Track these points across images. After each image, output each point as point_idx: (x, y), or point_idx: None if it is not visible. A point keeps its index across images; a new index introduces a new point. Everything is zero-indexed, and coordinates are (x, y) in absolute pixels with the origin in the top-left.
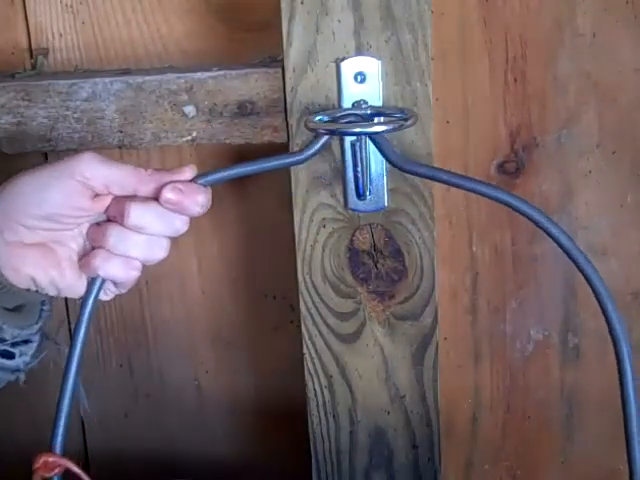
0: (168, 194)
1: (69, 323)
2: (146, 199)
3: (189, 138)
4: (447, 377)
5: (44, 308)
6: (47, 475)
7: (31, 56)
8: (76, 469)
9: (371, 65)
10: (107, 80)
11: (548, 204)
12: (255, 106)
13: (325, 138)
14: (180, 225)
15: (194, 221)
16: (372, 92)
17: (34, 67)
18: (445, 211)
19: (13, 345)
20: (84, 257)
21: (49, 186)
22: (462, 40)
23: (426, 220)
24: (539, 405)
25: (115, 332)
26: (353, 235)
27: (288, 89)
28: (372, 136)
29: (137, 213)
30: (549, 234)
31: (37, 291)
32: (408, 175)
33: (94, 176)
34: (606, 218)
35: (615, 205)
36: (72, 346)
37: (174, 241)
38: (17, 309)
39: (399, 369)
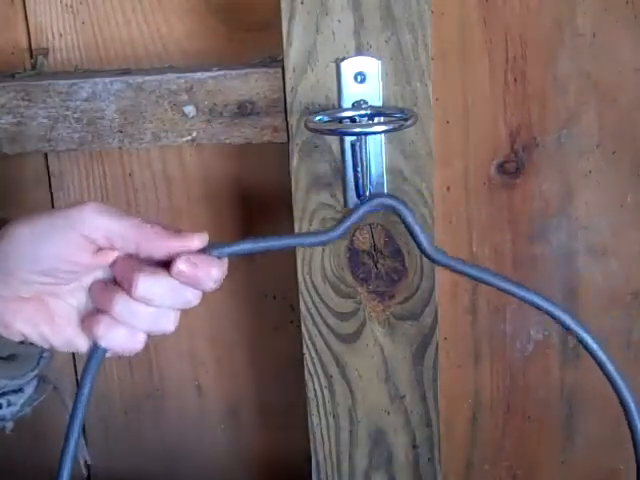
0: (181, 266)
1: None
2: (156, 269)
3: (189, 138)
4: (447, 377)
5: (44, 355)
6: None
7: (31, 56)
8: None
9: (371, 65)
10: (107, 80)
11: (548, 204)
12: (255, 106)
13: (351, 220)
14: (191, 299)
15: (194, 222)
16: (372, 92)
17: (34, 67)
18: (445, 211)
19: (1, 395)
20: (87, 319)
21: (48, 239)
22: (462, 40)
23: (426, 220)
24: (539, 405)
25: None
26: (353, 235)
27: (288, 89)
28: (401, 212)
29: (145, 285)
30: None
31: (30, 344)
32: (408, 175)
33: (96, 229)
34: (606, 218)
35: (615, 205)
36: (72, 416)
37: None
38: (11, 357)
39: (399, 369)
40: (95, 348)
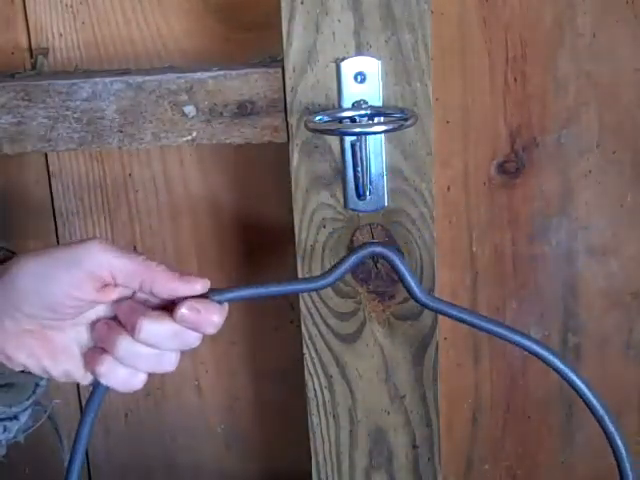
0: (184, 311)
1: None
2: (159, 314)
3: (189, 138)
4: (447, 377)
5: (40, 384)
6: None
7: (31, 56)
8: None
9: (371, 65)
10: (107, 80)
11: (548, 204)
12: (255, 106)
13: (344, 268)
14: (192, 341)
15: (193, 223)
16: (372, 92)
17: (34, 67)
18: (445, 211)
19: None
20: (89, 355)
21: (53, 275)
22: (462, 40)
23: (426, 220)
24: (539, 405)
25: None
26: (353, 235)
27: (288, 89)
28: (390, 258)
29: (149, 329)
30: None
31: (30, 374)
32: (408, 175)
33: (101, 266)
34: (606, 218)
35: (615, 205)
36: (73, 452)
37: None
38: (9, 385)
39: (399, 369)
40: (97, 386)
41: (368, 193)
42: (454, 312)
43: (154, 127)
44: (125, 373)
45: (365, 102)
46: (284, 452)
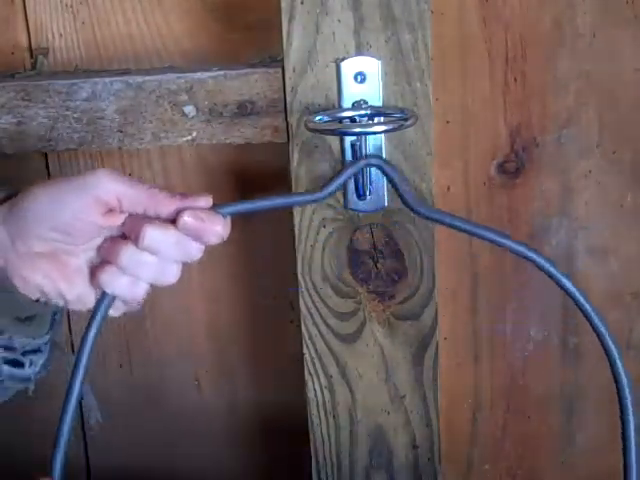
0: (187, 219)
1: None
2: (163, 222)
3: (189, 138)
4: (447, 377)
5: (56, 318)
6: None
7: (31, 56)
8: None
9: (371, 65)
10: (107, 80)
11: (548, 204)
12: (255, 106)
13: (341, 179)
14: (194, 252)
15: None
16: (372, 92)
17: (34, 67)
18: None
19: (23, 354)
20: (94, 268)
21: (62, 199)
22: (462, 40)
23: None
24: (539, 405)
25: (115, 332)
26: (353, 235)
27: (288, 89)
28: (383, 167)
29: (152, 236)
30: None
31: (46, 302)
32: (408, 175)
33: (108, 190)
34: (606, 218)
35: (615, 205)
36: (77, 360)
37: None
38: (28, 319)
39: (399, 369)
40: (102, 296)
41: (368, 193)
42: (447, 219)
43: (154, 127)
44: (128, 281)
45: (365, 102)
46: (284, 452)
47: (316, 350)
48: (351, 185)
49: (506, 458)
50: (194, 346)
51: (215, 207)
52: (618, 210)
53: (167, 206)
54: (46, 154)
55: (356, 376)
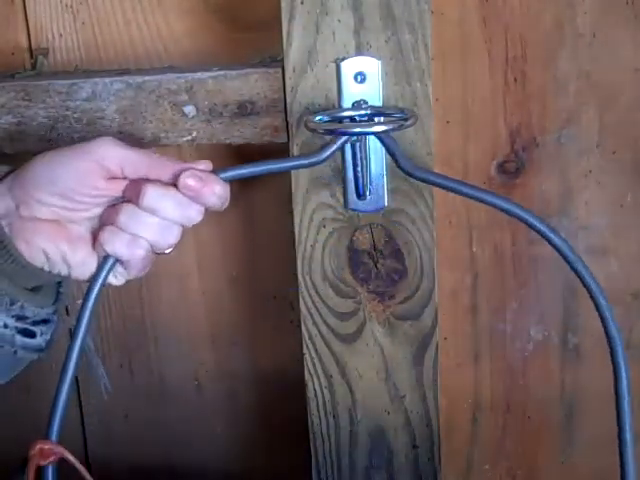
0: (187, 180)
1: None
2: (164, 183)
3: (189, 138)
4: (447, 377)
5: (60, 290)
6: (42, 462)
7: (31, 56)
8: (71, 457)
9: (371, 65)
10: (107, 80)
11: (548, 204)
12: (255, 106)
13: (343, 139)
14: (194, 214)
15: None
16: (372, 92)
17: (34, 67)
18: (445, 211)
19: (34, 324)
20: (96, 231)
21: (65, 164)
22: (462, 40)
23: (426, 220)
24: (539, 405)
25: (115, 332)
26: (353, 235)
27: (288, 89)
28: (381, 136)
29: (153, 195)
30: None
31: (50, 272)
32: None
33: (109, 156)
34: (606, 218)
35: (615, 205)
36: (77, 323)
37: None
38: (35, 289)
39: (399, 369)
40: (103, 259)
41: (368, 193)
42: (440, 180)
43: (154, 127)
44: (126, 238)
45: (365, 102)
46: (284, 452)
47: (316, 350)
48: (351, 185)
49: (506, 458)
50: (194, 346)
51: (215, 171)
52: (618, 210)
53: (168, 169)
54: None
55: (356, 376)
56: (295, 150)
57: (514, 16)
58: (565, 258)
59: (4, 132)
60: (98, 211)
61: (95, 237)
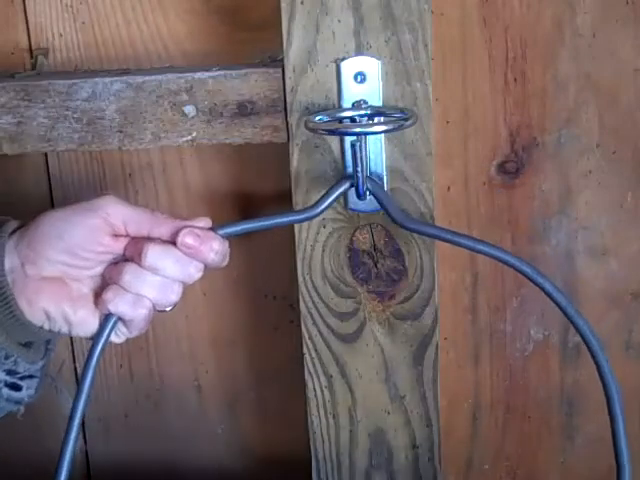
0: (186, 238)
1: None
2: (164, 242)
3: (189, 138)
4: (447, 377)
5: (49, 347)
6: None
7: (31, 56)
8: None
9: (371, 65)
10: (107, 80)
11: (548, 204)
12: (255, 106)
13: (336, 193)
14: (194, 271)
15: None
16: (372, 92)
17: (34, 67)
18: (445, 211)
19: (22, 378)
20: (99, 291)
21: (72, 221)
22: (462, 40)
23: (426, 220)
24: (539, 405)
25: None
26: (353, 235)
27: (288, 89)
28: (374, 190)
29: (154, 254)
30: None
31: (50, 330)
32: (408, 175)
33: (114, 213)
34: (606, 218)
35: (615, 205)
36: (81, 381)
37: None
38: (27, 345)
39: (399, 369)
40: (105, 318)
41: (368, 193)
42: (432, 231)
43: (154, 127)
44: (130, 298)
45: (365, 102)
46: (284, 452)
47: (316, 350)
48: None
49: (506, 458)
50: (194, 346)
51: (214, 228)
52: (618, 210)
53: (168, 227)
54: (46, 154)
55: (356, 376)
56: (295, 150)
57: (514, 16)
58: (564, 311)
59: (4, 132)
60: (100, 269)
61: (97, 295)
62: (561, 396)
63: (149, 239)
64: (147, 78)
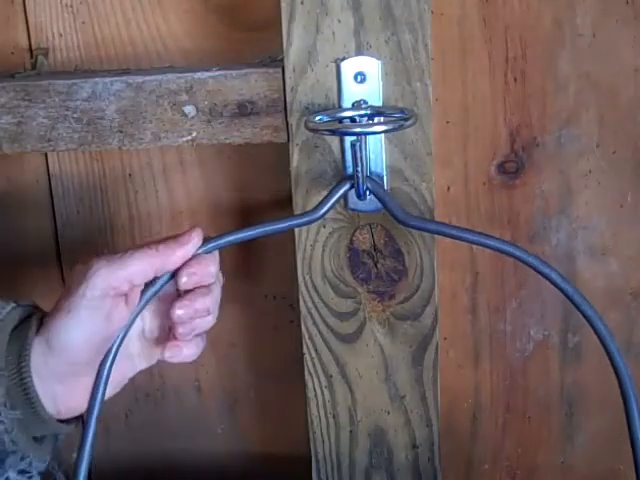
0: (183, 279)
1: None
2: (178, 298)
3: (189, 138)
4: (447, 377)
5: (59, 437)
6: None
7: (31, 56)
8: None
9: (371, 65)
10: (107, 80)
11: (548, 204)
12: (255, 106)
13: (337, 195)
14: (210, 303)
15: (194, 222)
16: (372, 92)
17: (34, 67)
18: (445, 211)
19: (30, 478)
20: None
21: (83, 318)
22: (462, 40)
23: None
24: (539, 405)
25: None
26: (353, 235)
27: (288, 89)
28: (375, 189)
29: (181, 314)
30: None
31: (68, 421)
32: (408, 175)
33: (114, 281)
34: (606, 218)
35: (615, 205)
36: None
37: None
38: (40, 439)
39: (399, 369)
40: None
41: (368, 193)
42: (433, 227)
43: (154, 127)
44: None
45: (365, 102)
46: (284, 452)
47: (316, 350)
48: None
49: (506, 458)
50: None
51: (208, 240)
52: (618, 210)
53: (166, 260)
54: (46, 154)
55: (356, 376)
56: (295, 150)
57: (514, 16)
58: (571, 300)
59: (4, 132)
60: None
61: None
62: (561, 396)
63: (171, 305)
64: (147, 78)
